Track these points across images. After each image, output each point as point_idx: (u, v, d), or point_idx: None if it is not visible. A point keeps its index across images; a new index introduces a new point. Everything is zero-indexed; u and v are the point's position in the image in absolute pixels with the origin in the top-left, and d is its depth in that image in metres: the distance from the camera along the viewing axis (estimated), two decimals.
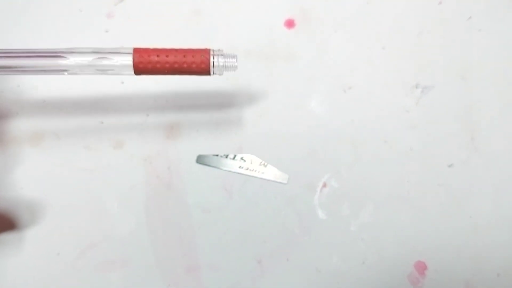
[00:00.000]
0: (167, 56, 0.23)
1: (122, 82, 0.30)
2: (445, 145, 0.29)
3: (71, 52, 0.23)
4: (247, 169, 0.29)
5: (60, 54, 0.23)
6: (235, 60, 0.24)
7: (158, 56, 0.23)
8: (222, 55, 0.24)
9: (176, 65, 0.23)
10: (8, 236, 0.27)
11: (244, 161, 0.29)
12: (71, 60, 0.23)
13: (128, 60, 0.23)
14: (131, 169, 0.29)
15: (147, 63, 0.23)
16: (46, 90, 0.30)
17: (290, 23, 0.31)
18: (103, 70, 0.24)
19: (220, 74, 0.24)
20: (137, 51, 0.23)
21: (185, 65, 0.23)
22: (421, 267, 0.28)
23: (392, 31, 0.31)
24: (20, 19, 0.31)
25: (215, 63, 0.23)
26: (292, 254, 0.27)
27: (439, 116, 0.30)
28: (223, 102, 0.30)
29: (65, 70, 0.23)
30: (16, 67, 0.23)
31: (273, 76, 0.31)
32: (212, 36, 0.31)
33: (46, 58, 0.23)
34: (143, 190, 0.28)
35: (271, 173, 0.28)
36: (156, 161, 0.28)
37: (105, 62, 0.23)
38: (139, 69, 0.23)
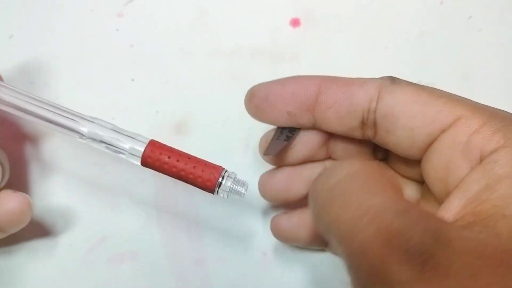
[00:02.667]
0: (177, 160, 0.23)
1: (132, 80, 0.31)
2: None
3: (91, 121, 0.24)
4: None
5: (78, 120, 0.24)
6: (243, 189, 0.23)
7: (169, 157, 0.23)
8: (232, 179, 0.23)
9: (182, 173, 0.23)
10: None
11: None
12: (86, 130, 0.24)
13: (140, 149, 0.23)
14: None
15: (156, 160, 0.23)
16: (59, 88, 0.30)
17: (295, 22, 0.32)
18: (113, 150, 0.24)
19: (224, 197, 0.23)
20: (151, 145, 0.23)
21: (191, 176, 0.23)
22: None
23: (394, 31, 0.32)
24: (32, 19, 0.32)
25: (222, 185, 0.23)
26: (298, 246, 0.28)
27: None
28: (230, 100, 0.31)
29: (80, 136, 0.24)
30: (30, 112, 0.24)
31: (278, 74, 0.31)
32: (218, 35, 0.32)
33: (64, 118, 0.24)
34: (153, 185, 0.29)
35: None
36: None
37: (117, 143, 0.24)
38: (146, 163, 0.23)
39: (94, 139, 0.24)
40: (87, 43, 0.31)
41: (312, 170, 0.25)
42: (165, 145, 0.23)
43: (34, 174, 0.29)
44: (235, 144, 0.30)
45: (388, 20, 0.32)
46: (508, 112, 0.20)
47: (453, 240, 0.15)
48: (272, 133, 0.25)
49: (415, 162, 0.22)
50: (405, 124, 0.21)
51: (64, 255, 0.28)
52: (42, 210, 0.29)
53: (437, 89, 0.21)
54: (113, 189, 0.29)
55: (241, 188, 0.23)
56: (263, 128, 0.30)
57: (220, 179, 0.23)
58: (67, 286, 0.28)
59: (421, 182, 0.24)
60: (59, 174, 0.29)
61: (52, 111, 0.24)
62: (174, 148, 0.23)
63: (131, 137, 0.24)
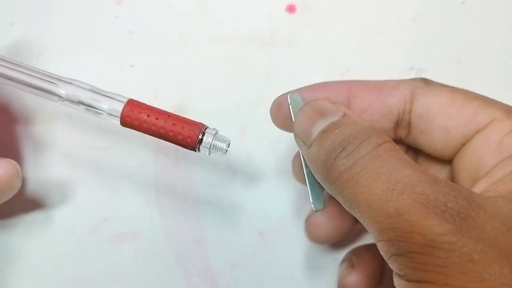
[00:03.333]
0: (156, 118, 0.22)
1: (132, 66, 0.31)
2: None
3: (69, 83, 0.24)
4: None
5: (56, 82, 0.24)
6: (225, 145, 0.23)
7: (148, 115, 0.22)
8: (213, 135, 0.22)
9: (162, 131, 0.22)
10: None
11: None
12: (64, 92, 0.23)
13: (118, 109, 0.23)
14: (141, 147, 0.30)
15: (135, 119, 0.22)
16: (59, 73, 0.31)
17: (291, 8, 0.33)
18: (92, 112, 0.24)
19: (205, 154, 0.23)
20: (130, 104, 0.23)
21: (171, 134, 0.22)
22: None
23: (388, 16, 0.32)
24: (33, 7, 0.32)
25: (203, 141, 0.22)
26: (292, 226, 0.29)
27: None
28: (227, 86, 0.31)
29: (59, 99, 0.24)
30: (8, 77, 0.24)
31: (275, 61, 0.32)
32: (216, 22, 0.32)
33: (41, 81, 0.24)
34: (152, 168, 0.30)
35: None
36: (164, 141, 0.30)
37: (95, 103, 0.23)
38: (125, 122, 0.23)
39: (72, 101, 0.23)
40: (87, 30, 0.32)
41: None
42: (144, 103, 0.23)
43: (34, 158, 0.30)
44: (232, 129, 0.31)
45: (382, 5, 0.32)
46: None
47: (484, 205, 0.17)
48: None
49: (443, 163, 0.23)
50: (441, 125, 0.22)
51: (66, 236, 0.29)
52: (42, 193, 0.29)
53: (470, 92, 0.22)
54: (114, 171, 0.30)
55: (222, 144, 0.23)
56: (260, 115, 0.31)
57: (200, 136, 0.22)
58: (70, 266, 0.29)
59: None
60: (60, 158, 0.30)
61: (30, 75, 0.24)
62: (153, 107, 0.23)
63: (110, 97, 0.23)
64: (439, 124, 0.22)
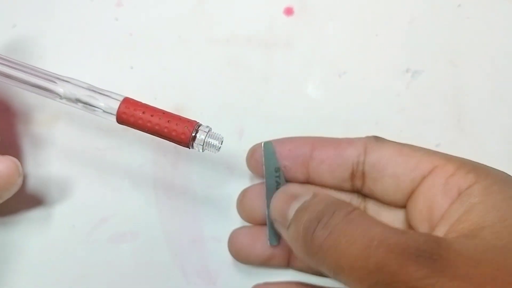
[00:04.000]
0: (151, 115, 0.23)
1: (132, 68, 0.32)
2: (433, 126, 0.31)
3: (67, 81, 0.24)
4: None
5: (55, 80, 0.24)
6: (218, 142, 0.23)
7: (143, 113, 0.23)
8: (207, 132, 0.23)
9: (157, 127, 0.23)
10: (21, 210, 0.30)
11: None
12: (62, 90, 0.24)
13: (114, 106, 0.23)
14: (140, 148, 0.31)
15: (130, 116, 0.23)
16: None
17: (289, 11, 0.33)
18: (90, 109, 0.24)
19: (199, 151, 0.23)
20: (126, 101, 0.23)
21: (165, 130, 0.23)
22: None
23: (385, 19, 0.33)
24: (35, 9, 0.32)
25: (196, 138, 0.23)
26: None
27: (428, 99, 0.32)
28: (225, 87, 0.32)
29: (57, 96, 0.24)
30: (7, 75, 0.24)
31: (272, 62, 0.32)
32: (215, 24, 0.33)
33: (41, 79, 0.24)
34: (152, 168, 0.30)
35: None
36: (163, 141, 0.30)
37: (92, 101, 0.24)
38: (121, 119, 0.23)
39: (70, 99, 0.24)
40: (87, 33, 0.32)
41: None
42: (140, 101, 0.23)
43: (34, 156, 0.30)
44: (230, 130, 0.31)
45: (379, 8, 0.33)
46: (474, 161, 0.23)
47: (451, 244, 0.18)
48: (252, 188, 0.29)
49: (398, 209, 0.26)
50: (391, 172, 0.24)
51: (66, 235, 0.30)
52: (41, 191, 0.30)
53: (415, 145, 0.25)
54: (113, 171, 0.30)
55: (215, 142, 0.23)
56: (258, 116, 0.31)
57: (194, 133, 0.23)
58: (69, 265, 0.29)
59: None
60: (60, 157, 0.30)
61: (29, 73, 0.24)
62: (148, 105, 0.23)
63: (106, 95, 0.24)
64: (389, 171, 0.25)
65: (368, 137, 0.26)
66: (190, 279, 0.29)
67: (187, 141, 0.23)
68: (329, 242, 0.20)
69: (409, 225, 0.25)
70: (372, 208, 0.27)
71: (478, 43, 0.32)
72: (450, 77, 0.32)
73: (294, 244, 0.22)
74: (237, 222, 0.30)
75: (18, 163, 0.26)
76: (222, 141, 0.24)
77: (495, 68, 0.32)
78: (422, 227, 0.23)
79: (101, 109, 0.24)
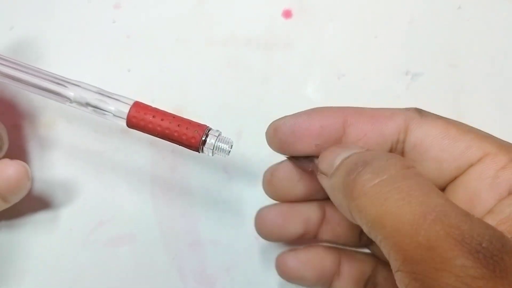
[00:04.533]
0: (161, 119, 0.23)
1: (129, 70, 0.32)
2: None
3: (77, 85, 0.24)
4: None
5: (65, 84, 0.24)
6: (228, 146, 0.23)
7: (153, 116, 0.23)
8: (217, 137, 0.23)
9: (167, 131, 0.23)
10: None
11: None
12: (72, 94, 0.24)
13: (124, 110, 0.23)
14: (138, 152, 0.30)
15: (141, 119, 0.23)
16: None
17: (287, 14, 0.33)
18: (99, 113, 0.24)
19: (209, 155, 0.23)
20: (136, 105, 0.23)
21: (175, 134, 0.23)
22: None
23: (384, 20, 0.33)
24: (32, 11, 0.32)
25: (206, 143, 0.23)
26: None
27: (428, 101, 0.31)
28: (224, 89, 0.32)
29: (67, 100, 0.24)
30: (18, 79, 0.24)
31: (271, 64, 0.32)
32: (213, 25, 0.33)
33: (51, 83, 0.24)
34: (149, 172, 0.30)
35: None
36: (161, 144, 0.30)
37: (102, 105, 0.24)
38: (131, 123, 0.23)
39: (80, 103, 0.24)
40: (85, 35, 0.32)
41: (311, 209, 0.25)
42: (150, 105, 0.23)
43: (34, 159, 0.30)
44: (229, 132, 0.31)
45: (378, 9, 0.33)
46: None
47: None
48: (280, 167, 0.25)
49: None
50: (434, 156, 0.21)
51: (64, 238, 0.29)
52: (41, 194, 0.30)
53: (464, 124, 0.22)
54: (111, 175, 0.30)
55: (225, 146, 0.23)
56: (257, 117, 0.31)
57: (204, 137, 0.23)
58: (68, 269, 0.29)
59: None
60: (58, 161, 0.30)
61: (39, 77, 0.24)
62: (158, 109, 0.23)
63: (116, 99, 0.24)
64: (432, 155, 0.22)
65: (409, 109, 0.23)
66: (188, 282, 0.29)
67: (197, 145, 0.23)
68: (376, 190, 0.17)
69: None
70: None
71: (478, 45, 0.32)
72: (450, 79, 0.32)
73: (333, 192, 0.20)
74: (234, 225, 0.29)
75: (27, 167, 0.26)
76: (231, 145, 0.23)
77: (495, 70, 0.32)
78: None
79: (111, 113, 0.24)
